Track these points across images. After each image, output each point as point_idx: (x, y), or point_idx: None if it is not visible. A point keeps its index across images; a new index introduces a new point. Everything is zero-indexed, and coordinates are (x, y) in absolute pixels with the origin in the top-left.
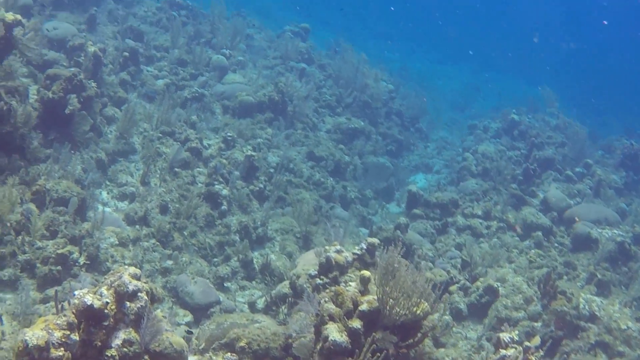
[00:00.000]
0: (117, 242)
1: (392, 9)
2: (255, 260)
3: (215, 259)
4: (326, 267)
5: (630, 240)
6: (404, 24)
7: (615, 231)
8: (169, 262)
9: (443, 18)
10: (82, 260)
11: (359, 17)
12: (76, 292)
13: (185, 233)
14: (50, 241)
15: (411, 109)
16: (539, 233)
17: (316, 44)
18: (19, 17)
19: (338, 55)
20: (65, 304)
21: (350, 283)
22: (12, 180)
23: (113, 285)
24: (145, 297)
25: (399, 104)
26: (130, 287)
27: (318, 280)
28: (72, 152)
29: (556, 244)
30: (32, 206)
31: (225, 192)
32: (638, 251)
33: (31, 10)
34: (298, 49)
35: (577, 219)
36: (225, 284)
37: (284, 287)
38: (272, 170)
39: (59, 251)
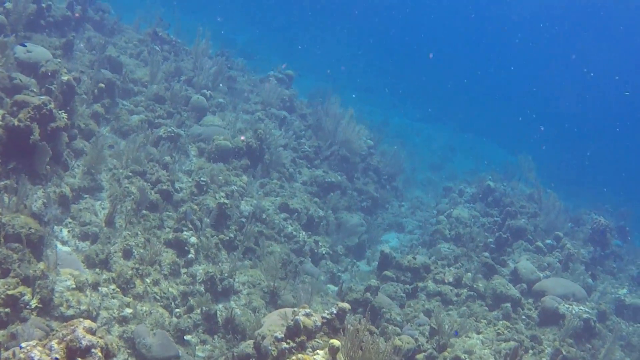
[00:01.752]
0: (73, 286)
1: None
2: (219, 314)
3: (178, 310)
4: (294, 331)
5: (596, 317)
6: (389, 78)
7: (582, 307)
8: (128, 311)
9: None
10: (34, 304)
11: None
12: (23, 345)
13: (148, 280)
14: (1, 280)
15: (389, 166)
16: (508, 305)
17: (299, 91)
18: None
19: (321, 107)
20: (9, 354)
21: (318, 351)
22: None
23: (65, 339)
24: (99, 354)
25: (377, 160)
26: (84, 343)
27: (284, 344)
28: (33, 185)
29: (524, 317)
30: None
31: (193, 239)
32: (602, 329)
33: (4, 29)
34: (280, 96)
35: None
36: (185, 337)
37: (247, 347)
38: (243, 219)
39: (9, 292)
